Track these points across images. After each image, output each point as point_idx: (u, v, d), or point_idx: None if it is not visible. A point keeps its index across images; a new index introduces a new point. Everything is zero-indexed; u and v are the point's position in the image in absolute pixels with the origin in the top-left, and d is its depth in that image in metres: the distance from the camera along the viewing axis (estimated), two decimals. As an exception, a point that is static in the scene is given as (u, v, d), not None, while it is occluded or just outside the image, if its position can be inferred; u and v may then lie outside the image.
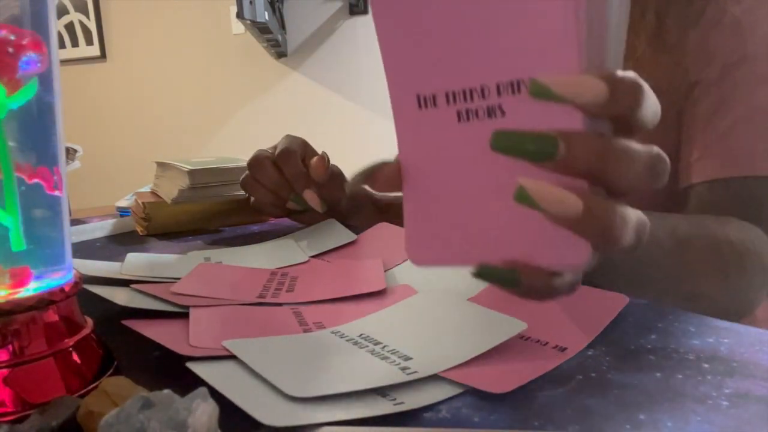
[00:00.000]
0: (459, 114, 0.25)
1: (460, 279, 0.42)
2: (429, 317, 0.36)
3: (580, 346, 0.31)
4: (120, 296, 0.39)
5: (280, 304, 0.40)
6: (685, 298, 0.47)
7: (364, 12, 2.47)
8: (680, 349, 0.31)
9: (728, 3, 0.50)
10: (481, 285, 0.40)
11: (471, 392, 0.27)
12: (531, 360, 0.30)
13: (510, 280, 0.24)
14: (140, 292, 0.40)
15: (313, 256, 0.53)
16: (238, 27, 2.43)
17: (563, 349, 0.31)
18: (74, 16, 2.64)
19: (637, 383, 0.27)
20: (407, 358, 0.30)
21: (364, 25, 2.48)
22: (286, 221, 0.74)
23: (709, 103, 0.50)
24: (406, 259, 0.47)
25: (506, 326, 0.32)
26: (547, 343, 0.32)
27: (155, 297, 0.39)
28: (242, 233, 0.68)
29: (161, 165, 0.73)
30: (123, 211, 0.80)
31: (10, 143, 0.27)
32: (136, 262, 0.50)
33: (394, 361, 0.30)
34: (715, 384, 0.27)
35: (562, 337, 0.32)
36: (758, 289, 0.48)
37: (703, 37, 0.50)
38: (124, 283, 0.43)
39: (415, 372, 0.28)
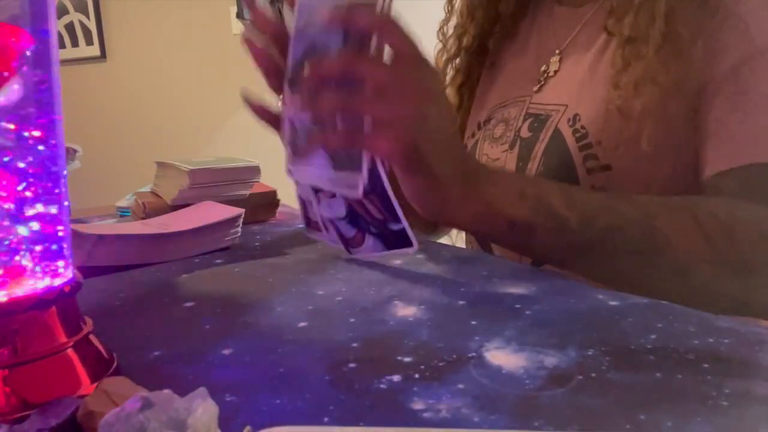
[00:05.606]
0: None
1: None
2: None
3: None
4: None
5: None
6: (673, 273, 0.45)
7: (364, 12, 2.47)
8: (680, 349, 0.31)
9: (735, 4, 0.50)
10: None
11: (471, 392, 0.27)
12: None
13: None
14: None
15: None
16: (238, 27, 2.43)
17: None
18: (74, 16, 2.63)
19: (637, 383, 0.27)
20: None
21: (364, 25, 2.48)
22: (286, 220, 0.74)
23: (723, 100, 0.50)
24: None
25: None
26: None
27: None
28: (242, 232, 0.67)
29: (161, 165, 0.73)
30: (123, 211, 0.80)
31: (11, 143, 0.27)
32: None
33: None
34: (715, 384, 0.27)
35: None
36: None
37: (710, 38, 0.51)
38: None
39: None
